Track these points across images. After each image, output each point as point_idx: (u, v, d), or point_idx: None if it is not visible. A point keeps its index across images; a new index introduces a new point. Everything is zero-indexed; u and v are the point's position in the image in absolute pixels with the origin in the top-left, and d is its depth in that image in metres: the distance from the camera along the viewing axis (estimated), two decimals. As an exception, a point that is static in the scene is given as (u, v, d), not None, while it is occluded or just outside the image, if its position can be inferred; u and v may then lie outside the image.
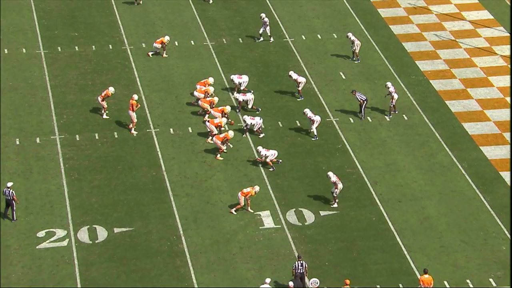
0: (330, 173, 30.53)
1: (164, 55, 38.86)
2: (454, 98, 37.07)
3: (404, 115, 35.92)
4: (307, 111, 34.08)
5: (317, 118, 33.97)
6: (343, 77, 38.20)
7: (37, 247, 28.73)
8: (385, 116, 35.71)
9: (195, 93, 35.46)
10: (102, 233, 29.34)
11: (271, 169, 32.23)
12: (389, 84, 35.48)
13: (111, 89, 34.77)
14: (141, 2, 42.66)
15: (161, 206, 30.61)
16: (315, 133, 34.04)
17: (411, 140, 34.48)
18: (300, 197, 31.20)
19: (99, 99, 34.71)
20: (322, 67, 38.80)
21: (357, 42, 37.92)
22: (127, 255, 28.61)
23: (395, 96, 35.25)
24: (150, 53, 38.83)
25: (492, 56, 40.05)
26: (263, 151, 32.12)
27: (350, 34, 37.83)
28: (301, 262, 27.31)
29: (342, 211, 30.63)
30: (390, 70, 38.86)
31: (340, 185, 30.38)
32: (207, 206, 30.67)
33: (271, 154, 32.12)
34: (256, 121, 33.87)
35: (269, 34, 39.49)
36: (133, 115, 33.85)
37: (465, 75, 38.59)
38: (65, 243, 28.90)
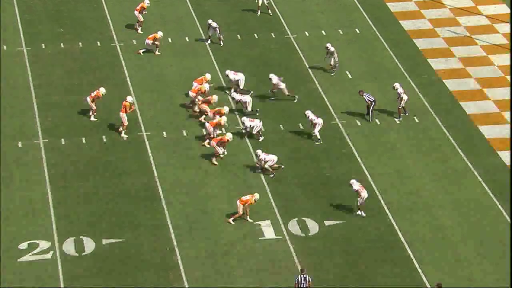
0: (353, 181, 30.56)
1: (157, 52, 38.99)
2: (469, 99, 37.14)
3: (415, 118, 36.00)
4: (309, 112, 34.19)
5: (319, 121, 34.06)
6: (350, 76, 38.30)
7: (18, 260, 28.76)
8: (395, 119, 35.78)
9: (190, 93, 35.49)
10: (89, 245, 29.39)
11: (271, 176, 32.28)
12: (397, 85, 35.54)
13: (102, 90, 34.85)
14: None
15: (153, 216, 30.69)
16: (318, 137, 34.14)
17: (422, 144, 34.57)
18: (303, 206, 31.26)
19: (89, 99, 34.79)
20: (327, 66, 38.70)
21: (336, 55, 37.31)
22: (117, 268, 28.66)
23: (404, 97, 35.31)
24: (141, 51, 38.95)
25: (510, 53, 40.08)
26: (262, 155, 32.20)
27: (329, 45, 37.40)
28: (305, 276, 27.39)
29: (348, 221, 30.70)
30: (400, 69, 38.96)
31: (363, 194, 30.38)
32: (203, 216, 30.76)
33: (270, 160, 32.17)
34: (256, 124, 33.94)
35: (218, 37, 39.23)
36: (125, 117, 33.90)
37: (481, 74, 38.66)
38: (49, 255, 28.94)
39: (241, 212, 30.29)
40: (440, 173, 32.92)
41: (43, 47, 39.52)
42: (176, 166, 32.92)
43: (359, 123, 35.58)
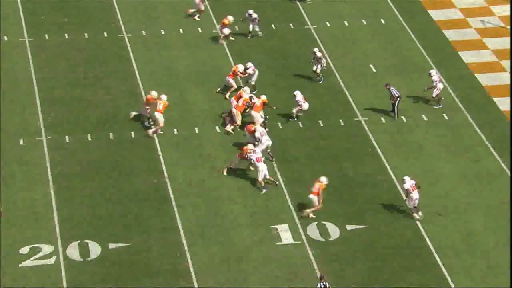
0: (407, 178, 30.41)
1: (196, 18, 39.70)
2: (503, 95, 37.09)
3: (444, 114, 35.98)
4: (298, 93, 34.64)
5: (305, 106, 34.45)
6: (374, 70, 38.32)
7: (20, 265, 28.91)
8: (423, 116, 35.77)
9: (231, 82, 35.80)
10: (94, 250, 29.52)
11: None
12: (433, 71, 35.54)
13: (154, 93, 34.37)
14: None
15: (162, 219, 30.77)
16: (295, 116, 34.53)
17: (452, 143, 34.57)
18: (324, 209, 31.20)
19: (145, 106, 34.23)
20: (349, 59, 38.93)
21: (324, 60, 37.06)
22: (124, 274, 28.74)
23: (439, 86, 35.22)
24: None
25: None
26: (253, 154, 31.79)
27: (316, 50, 37.09)
28: (324, 283, 27.48)
29: (372, 225, 30.69)
30: (428, 62, 38.97)
31: (414, 195, 30.13)
32: (216, 219, 30.83)
33: (258, 154, 31.91)
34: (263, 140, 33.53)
35: (250, 30, 39.12)
36: (161, 117, 33.82)
37: (517, 69, 38.76)
38: (52, 260, 29.08)
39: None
40: (472, 175, 32.93)
41: (47, 37, 39.71)
42: (188, 166, 32.99)
43: (383, 120, 35.61)
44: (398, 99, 35.42)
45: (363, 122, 35.51)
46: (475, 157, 33.85)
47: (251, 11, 39.36)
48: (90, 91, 36.34)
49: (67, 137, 34.25)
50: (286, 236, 30.13)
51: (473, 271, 28.96)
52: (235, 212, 31.10)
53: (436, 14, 42.01)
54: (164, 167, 32.90)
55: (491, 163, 33.51)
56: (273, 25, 40.80)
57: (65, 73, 37.66)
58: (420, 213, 30.79)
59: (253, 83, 36.62)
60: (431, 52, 39.47)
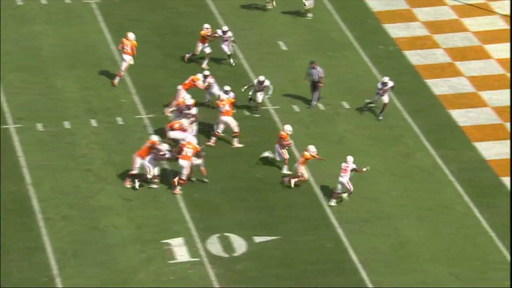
0: (350, 158, 31.51)
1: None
2: (438, 76, 37.49)
3: (368, 100, 36.03)
4: (262, 77, 34.71)
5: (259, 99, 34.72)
6: (284, 48, 38.19)
7: None
8: (343, 102, 35.91)
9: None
10: None
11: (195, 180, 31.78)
12: (386, 79, 34.94)
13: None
14: None
15: (26, 235, 30.23)
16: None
17: (379, 134, 34.72)
18: (227, 218, 31.22)
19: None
20: (255, 35, 38.99)
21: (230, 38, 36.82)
22: (-23, 307, 28.32)
23: (385, 99, 34.82)
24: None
25: (489, 15, 40.49)
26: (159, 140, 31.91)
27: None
28: (229, 310, 27.38)
29: (285, 237, 30.64)
30: (348, 37, 39.26)
31: (342, 178, 31.15)
32: (94, 234, 30.45)
33: (164, 150, 31.85)
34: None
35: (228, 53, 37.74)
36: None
37: (453, 43, 39.07)
38: None
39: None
40: (402, 172, 33.16)
41: None
42: (57, 169, 32.61)
43: (297, 109, 35.71)
44: (318, 82, 35.35)
45: (272, 111, 35.53)
46: (405, 150, 34.12)
47: (225, 28, 37.49)
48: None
49: None
50: (180, 252, 29.97)
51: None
52: (118, 225, 30.79)
53: (356, -20, 42.30)
54: (26, 171, 32.39)
55: (424, 158, 33.90)
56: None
57: None
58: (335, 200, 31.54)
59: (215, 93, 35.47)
60: (352, 25, 39.85)
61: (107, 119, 34.98)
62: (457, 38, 39.31)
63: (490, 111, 35.76)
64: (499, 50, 38.87)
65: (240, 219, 31.08)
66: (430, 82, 37.10)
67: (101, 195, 31.65)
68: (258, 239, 30.44)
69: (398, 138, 34.50)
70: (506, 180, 32.82)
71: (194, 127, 33.45)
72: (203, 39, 36.78)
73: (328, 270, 29.48)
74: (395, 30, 39.64)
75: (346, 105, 35.87)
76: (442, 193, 32.33)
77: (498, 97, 36.51)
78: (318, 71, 35.30)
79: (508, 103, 36.04)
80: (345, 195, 31.64)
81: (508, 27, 39.92)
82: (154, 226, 30.60)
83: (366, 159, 33.24)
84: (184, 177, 31.73)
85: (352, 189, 31.49)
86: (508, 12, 40.55)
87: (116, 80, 36.15)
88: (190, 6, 40.17)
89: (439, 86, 36.91)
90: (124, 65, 35.94)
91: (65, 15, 39.14)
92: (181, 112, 33.36)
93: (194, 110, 33.39)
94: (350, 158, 31.47)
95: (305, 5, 39.26)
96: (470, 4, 41.17)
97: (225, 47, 37.04)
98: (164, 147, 31.76)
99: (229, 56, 37.22)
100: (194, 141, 32.27)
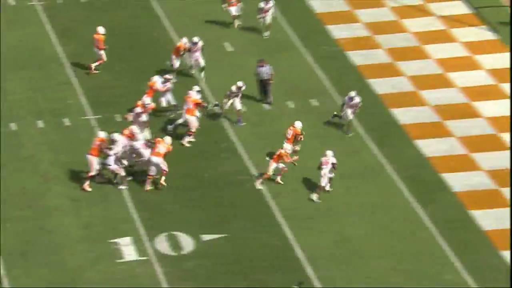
0: (330, 152, 31.79)
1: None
2: (380, 75, 37.77)
3: (313, 100, 36.32)
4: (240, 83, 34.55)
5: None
6: (230, 49, 38.35)
7: None
8: (288, 102, 36.03)
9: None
10: None
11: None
12: (353, 93, 34.71)
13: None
14: None
15: None
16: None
17: (324, 133, 34.94)
18: (174, 217, 31.17)
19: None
20: (200, 36, 38.43)
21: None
22: None
23: (348, 113, 34.55)
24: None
25: (427, 16, 40.91)
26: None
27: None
28: (178, 307, 27.31)
29: (233, 234, 30.70)
30: (290, 38, 39.36)
31: (325, 171, 31.47)
32: (41, 234, 30.30)
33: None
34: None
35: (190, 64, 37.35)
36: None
37: (394, 44, 39.35)
38: None
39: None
40: (347, 170, 33.24)
41: None
42: (5, 170, 32.34)
43: (243, 109, 35.55)
44: (268, 81, 35.44)
45: (217, 110, 35.50)
46: (350, 148, 34.35)
47: (196, 39, 37.12)
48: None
49: None
50: (128, 251, 29.91)
51: (353, 282, 29.25)
52: (66, 224, 30.66)
53: (298, -20, 42.42)
54: (-28, 173, 32.32)
55: (367, 156, 34.10)
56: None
57: None
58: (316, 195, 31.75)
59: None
60: (294, 26, 39.90)
61: (54, 120, 34.88)
62: (397, 39, 39.60)
63: (429, 110, 36.05)
64: (437, 50, 39.06)
65: (187, 218, 31.06)
66: (372, 81, 37.33)
67: (48, 196, 31.55)
68: (205, 237, 30.44)
69: (343, 136, 34.72)
70: (445, 176, 33.02)
71: (146, 132, 33.35)
72: (177, 52, 36.19)
73: (276, 266, 29.55)
74: (338, 31, 39.77)
75: (291, 104, 36.03)
76: (384, 190, 32.54)
77: (437, 95, 36.87)
78: (266, 69, 35.49)
79: (447, 101, 36.42)
80: (315, 197, 31.73)
81: (445, 27, 40.33)
82: (102, 226, 30.55)
83: (311, 157, 33.26)
84: (153, 173, 31.58)
85: (325, 186, 31.71)
86: (445, 13, 40.96)
87: (93, 65, 36.10)
88: (136, 7, 40.07)
89: (381, 85, 37.18)
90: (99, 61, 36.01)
91: (10, 17, 38.94)
92: (139, 116, 33.17)
93: (144, 117, 33.26)
94: (329, 152, 31.68)
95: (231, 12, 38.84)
96: (409, 6, 41.50)
97: (200, 59, 36.32)
98: (118, 137, 31.36)
99: (202, 68, 36.65)
100: (168, 140, 32.04)
